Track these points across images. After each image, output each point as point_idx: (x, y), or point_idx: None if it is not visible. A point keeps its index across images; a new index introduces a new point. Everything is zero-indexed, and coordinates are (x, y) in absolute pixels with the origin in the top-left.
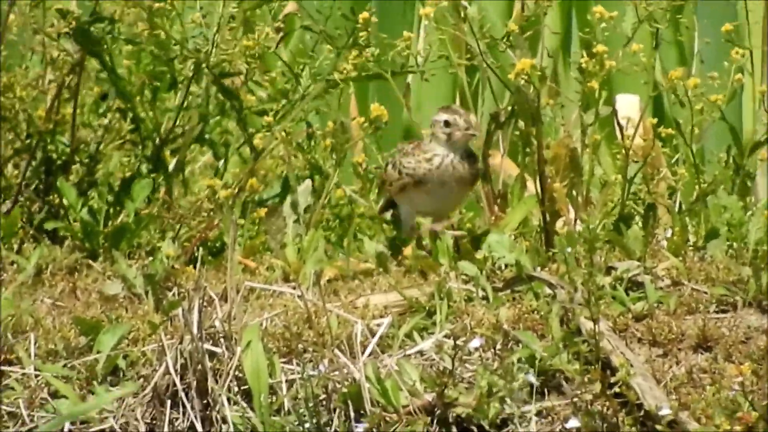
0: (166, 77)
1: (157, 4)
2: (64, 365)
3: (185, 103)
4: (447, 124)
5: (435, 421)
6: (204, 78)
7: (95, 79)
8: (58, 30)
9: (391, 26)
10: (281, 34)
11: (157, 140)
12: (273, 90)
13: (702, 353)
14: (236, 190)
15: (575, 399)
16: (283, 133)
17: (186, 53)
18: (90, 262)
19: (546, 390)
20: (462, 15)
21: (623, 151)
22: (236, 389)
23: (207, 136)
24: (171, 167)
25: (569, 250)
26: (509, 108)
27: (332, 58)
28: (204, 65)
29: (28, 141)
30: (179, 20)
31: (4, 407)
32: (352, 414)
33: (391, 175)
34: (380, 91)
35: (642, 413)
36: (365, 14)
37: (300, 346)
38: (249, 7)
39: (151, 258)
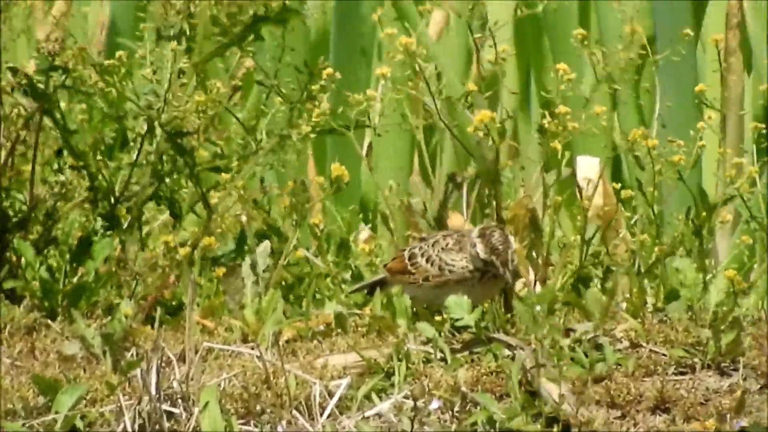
0: (119, 135)
1: (107, 61)
2: (23, 425)
3: (138, 161)
4: (486, 264)
5: None
6: (156, 135)
7: (51, 136)
8: (11, 84)
9: (348, 85)
10: (236, 90)
11: (112, 198)
12: (227, 147)
13: (660, 415)
14: (192, 249)
15: None
16: (239, 191)
17: (138, 110)
18: (48, 321)
19: None
20: (419, 74)
21: (582, 212)
22: None
23: (161, 193)
24: (125, 225)
25: (538, 308)
26: (470, 170)
27: (286, 112)
28: (156, 122)
29: None
30: (129, 77)
31: None
32: None
33: (425, 270)
34: (338, 149)
35: None
36: (329, 70)
37: (258, 407)
38: (200, 60)
39: (109, 317)
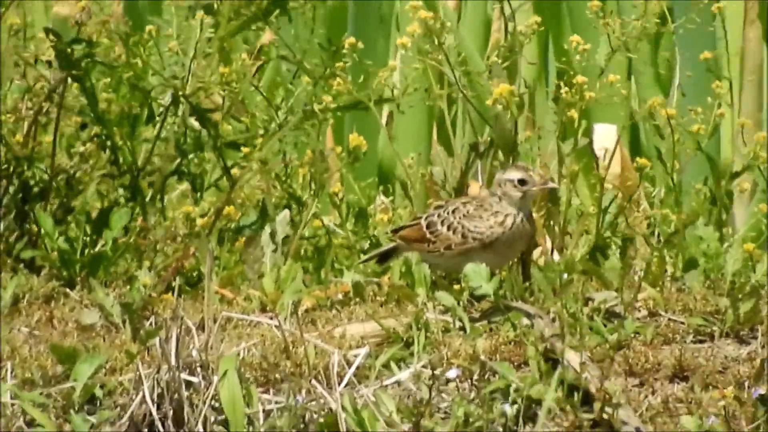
0: (143, 108)
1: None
2: (41, 393)
3: (162, 134)
4: (522, 182)
5: None
6: (180, 108)
7: (75, 110)
8: (36, 55)
9: (366, 55)
10: (258, 63)
11: (135, 171)
12: (251, 122)
13: (678, 383)
14: (213, 219)
15: (554, 429)
16: (261, 164)
17: (163, 82)
18: (67, 290)
19: (522, 420)
20: (439, 45)
21: (600, 180)
22: (213, 419)
23: (184, 169)
24: (148, 197)
25: (565, 276)
26: (488, 139)
27: (309, 89)
28: (180, 94)
29: (5, 167)
30: (156, 49)
31: None
32: None
33: (447, 239)
34: (357, 119)
35: None
36: (351, 39)
37: (277, 376)
38: (226, 33)
39: (128, 287)
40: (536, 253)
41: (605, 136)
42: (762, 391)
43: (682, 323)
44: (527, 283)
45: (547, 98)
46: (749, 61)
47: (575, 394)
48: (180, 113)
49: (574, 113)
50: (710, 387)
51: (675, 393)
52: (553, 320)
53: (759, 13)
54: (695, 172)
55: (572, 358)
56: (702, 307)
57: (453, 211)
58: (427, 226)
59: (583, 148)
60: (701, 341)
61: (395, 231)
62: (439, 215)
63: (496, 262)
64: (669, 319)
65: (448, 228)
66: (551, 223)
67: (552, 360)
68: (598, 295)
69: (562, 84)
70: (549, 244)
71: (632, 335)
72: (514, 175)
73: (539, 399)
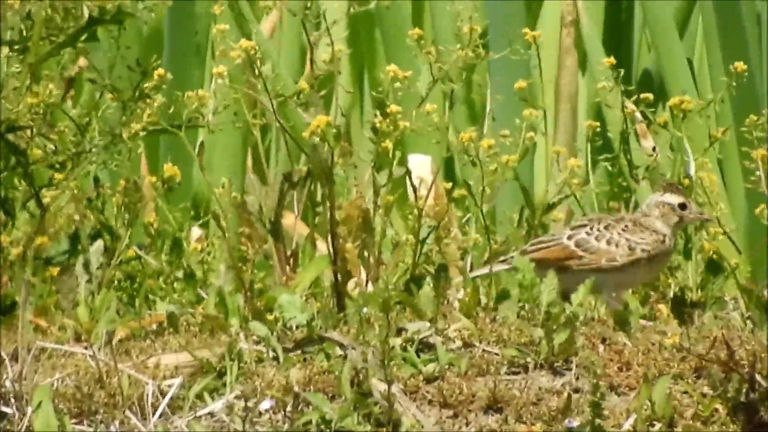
0: None
1: None
2: None
3: None
4: (683, 207)
5: None
6: None
7: None
8: None
9: (181, 82)
10: (69, 88)
11: None
12: (60, 143)
13: (493, 414)
14: (25, 248)
15: None
16: (72, 190)
17: None
18: None
19: None
20: (256, 73)
21: (416, 212)
22: None
23: None
24: None
25: (365, 310)
26: (303, 168)
27: (118, 111)
28: None
29: None
30: None
31: None
32: None
33: (607, 251)
34: (171, 148)
35: None
36: (160, 70)
37: (91, 406)
38: (35, 61)
39: None
40: (350, 283)
41: (420, 166)
42: (576, 423)
43: (497, 354)
44: (341, 314)
45: (363, 127)
46: (564, 89)
47: (386, 426)
48: None
49: (389, 143)
50: (524, 419)
51: (489, 424)
52: (367, 351)
53: (575, 41)
54: (511, 201)
55: (384, 389)
56: (516, 338)
57: (610, 226)
58: (576, 244)
59: (398, 178)
60: (515, 372)
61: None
62: (587, 233)
63: (647, 277)
64: (483, 350)
65: (610, 243)
66: (366, 253)
67: (365, 392)
68: (411, 326)
69: (377, 113)
70: (363, 275)
71: (446, 366)
72: (675, 199)
73: (351, 431)
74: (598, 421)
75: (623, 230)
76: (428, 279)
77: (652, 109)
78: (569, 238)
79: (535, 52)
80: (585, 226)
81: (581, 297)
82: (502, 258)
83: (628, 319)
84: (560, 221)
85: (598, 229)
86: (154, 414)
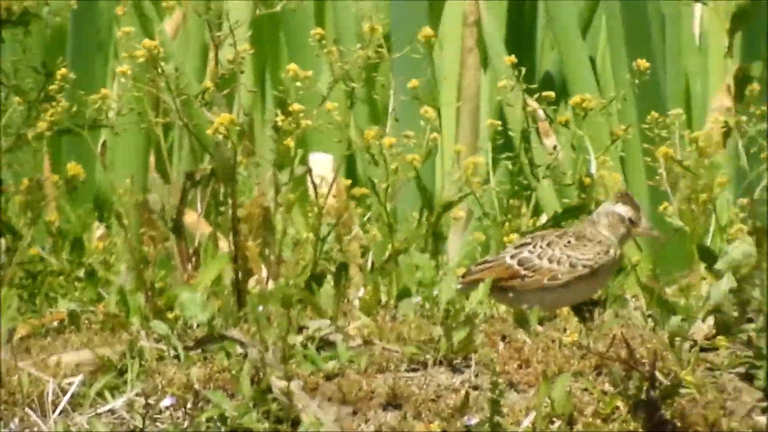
0: None
1: None
2: None
3: None
4: (633, 220)
5: None
6: None
7: None
8: None
9: (84, 81)
10: None
11: None
12: None
13: (392, 411)
14: None
15: None
16: None
17: None
18: None
19: None
20: (159, 72)
21: (316, 210)
22: None
23: None
24: None
25: (261, 308)
26: (206, 167)
27: (23, 111)
28: None
29: None
30: None
31: None
32: None
33: (549, 270)
34: (74, 147)
35: None
36: (63, 70)
37: None
38: None
39: None
40: (251, 281)
41: (321, 165)
42: (474, 420)
43: (396, 351)
44: (242, 312)
45: (266, 126)
46: (466, 88)
47: (287, 422)
48: None
49: (290, 142)
50: (423, 416)
51: (388, 421)
52: (267, 349)
53: (477, 40)
54: (412, 200)
55: (284, 386)
56: (416, 336)
57: (551, 243)
58: (519, 263)
59: (299, 177)
60: (415, 370)
61: (463, 276)
62: (530, 251)
63: (591, 293)
64: (383, 348)
65: (550, 260)
66: (267, 251)
67: (265, 390)
68: (312, 323)
69: (278, 112)
70: (264, 273)
71: (346, 363)
72: (626, 212)
73: (251, 428)
74: (497, 418)
75: (566, 246)
76: (329, 277)
77: (555, 108)
78: (512, 257)
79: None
80: (528, 244)
81: (481, 295)
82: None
83: (527, 316)
84: (461, 220)
85: (541, 247)
86: (54, 411)
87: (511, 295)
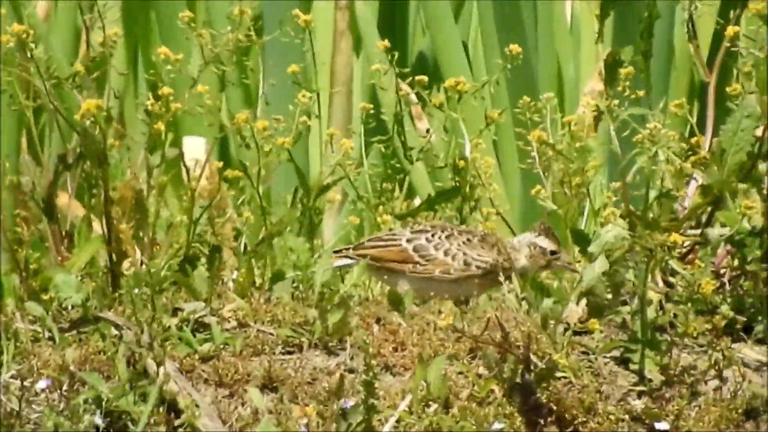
0: None
1: None
2: None
3: None
4: (554, 253)
5: None
6: None
7: None
8: None
9: None
10: None
11: None
12: None
13: (268, 394)
14: None
15: None
16: None
17: None
18: None
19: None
20: (29, 55)
21: (189, 192)
22: None
23: None
24: None
25: (136, 291)
26: (77, 149)
27: None
28: None
29: None
30: None
31: None
32: None
33: (443, 263)
34: None
35: None
36: None
37: None
38: None
39: None
40: (125, 264)
41: (195, 148)
42: (350, 403)
43: (272, 334)
44: (117, 294)
45: (137, 109)
46: (339, 72)
47: (163, 405)
48: None
49: (161, 125)
50: (299, 398)
51: (264, 404)
52: (142, 331)
53: (349, 24)
54: (286, 183)
55: (160, 369)
56: (291, 318)
57: (450, 237)
58: (415, 249)
59: (172, 159)
60: (290, 352)
61: (354, 247)
62: (428, 239)
63: (478, 290)
64: (258, 330)
65: (447, 254)
66: (141, 234)
67: (141, 372)
68: (187, 306)
69: (150, 95)
70: (138, 255)
71: (221, 346)
72: (548, 245)
73: (127, 410)
74: (372, 401)
75: (464, 243)
76: (203, 259)
77: (428, 92)
78: (408, 241)
79: (308, 36)
80: (427, 231)
81: (356, 277)
82: (337, 250)
83: (402, 299)
84: (336, 202)
85: (439, 238)
86: None
87: (393, 277)
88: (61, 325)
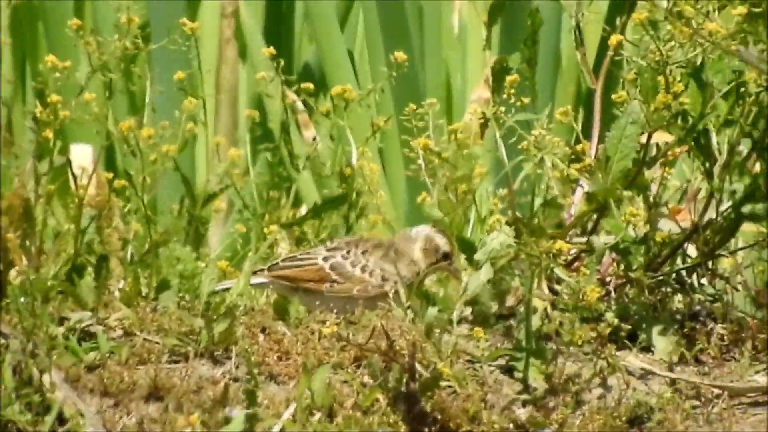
0: None
1: None
2: None
3: None
4: (446, 257)
5: None
6: None
7: None
8: None
9: None
10: None
11: None
12: None
13: (153, 403)
14: None
15: None
16: None
17: None
18: None
19: None
20: None
21: (77, 201)
22: None
23: None
24: None
25: (23, 299)
26: None
27: None
28: None
29: None
30: None
31: None
32: None
33: (361, 280)
34: None
35: None
36: None
37: None
38: None
39: None
40: (12, 272)
41: (82, 156)
42: (235, 411)
43: (158, 343)
44: (3, 303)
45: (24, 117)
46: (225, 79)
47: (47, 414)
48: None
49: (49, 132)
50: (184, 407)
51: (150, 413)
52: (29, 340)
53: (235, 32)
54: (172, 191)
55: (46, 378)
56: (177, 327)
57: (363, 253)
58: (331, 267)
59: (60, 167)
60: (176, 361)
61: (269, 268)
62: (344, 256)
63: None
64: (144, 339)
65: (364, 270)
66: (28, 242)
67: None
68: (73, 315)
69: (38, 103)
70: (25, 264)
71: (107, 355)
72: (444, 246)
73: (13, 419)
74: (255, 409)
75: (381, 258)
76: (90, 269)
77: (314, 99)
78: (325, 259)
79: (194, 43)
80: (341, 249)
81: (241, 287)
82: (255, 270)
83: (287, 308)
84: (222, 211)
85: (355, 254)
86: None
87: (310, 297)
88: None
